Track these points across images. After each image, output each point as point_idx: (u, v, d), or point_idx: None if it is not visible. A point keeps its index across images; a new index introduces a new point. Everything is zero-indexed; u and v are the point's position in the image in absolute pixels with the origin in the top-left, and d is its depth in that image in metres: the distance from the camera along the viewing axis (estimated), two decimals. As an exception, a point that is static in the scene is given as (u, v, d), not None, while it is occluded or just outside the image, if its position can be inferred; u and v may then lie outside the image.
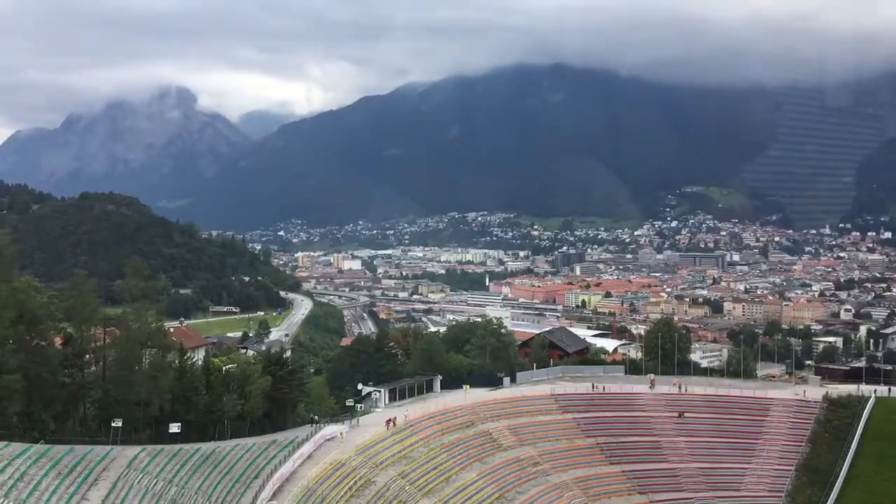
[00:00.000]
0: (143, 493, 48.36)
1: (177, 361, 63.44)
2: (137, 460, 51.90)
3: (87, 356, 56.98)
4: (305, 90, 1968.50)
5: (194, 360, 71.32)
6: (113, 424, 54.06)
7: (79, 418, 56.07)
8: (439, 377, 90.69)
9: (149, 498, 48.29)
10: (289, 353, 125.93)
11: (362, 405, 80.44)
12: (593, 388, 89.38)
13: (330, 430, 70.79)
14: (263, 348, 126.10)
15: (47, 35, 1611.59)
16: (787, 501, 75.12)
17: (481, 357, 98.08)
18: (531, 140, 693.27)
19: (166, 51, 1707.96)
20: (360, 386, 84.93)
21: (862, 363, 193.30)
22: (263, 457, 61.45)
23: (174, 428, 57.92)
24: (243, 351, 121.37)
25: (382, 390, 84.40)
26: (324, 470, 62.74)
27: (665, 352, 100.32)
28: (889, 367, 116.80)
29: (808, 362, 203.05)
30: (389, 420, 74.20)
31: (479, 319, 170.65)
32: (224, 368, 70.58)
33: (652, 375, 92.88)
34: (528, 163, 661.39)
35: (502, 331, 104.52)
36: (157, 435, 58.14)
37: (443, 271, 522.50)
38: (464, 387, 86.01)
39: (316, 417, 72.26)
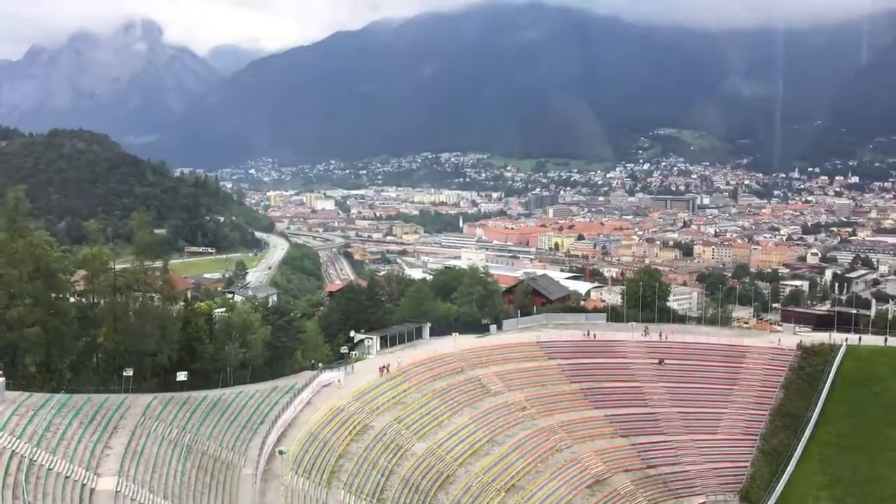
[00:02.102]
0: (161, 440, 50.58)
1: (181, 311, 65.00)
2: (151, 408, 54.04)
3: (99, 308, 58.26)
4: (276, 25, 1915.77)
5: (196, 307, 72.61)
6: (124, 374, 55.93)
7: (92, 368, 57.64)
8: (428, 324, 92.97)
9: (166, 444, 50.52)
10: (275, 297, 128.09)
11: (356, 352, 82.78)
12: (588, 334, 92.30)
13: (327, 376, 73.04)
14: (250, 293, 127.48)
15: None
16: (761, 444, 79.20)
17: (468, 305, 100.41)
18: (505, 79, 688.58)
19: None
20: (352, 333, 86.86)
21: (827, 306, 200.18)
22: (266, 403, 63.76)
23: (181, 376, 59.90)
24: (230, 296, 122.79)
25: (374, 337, 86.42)
26: (324, 415, 65.18)
27: (645, 300, 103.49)
28: (855, 312, 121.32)
29: (775, 305, 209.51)
30: (383, 367, 76.45)
31: (458, 264, 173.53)
32: (217, 313, 72.09)
33: (645, 324, 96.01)
34: (501, 102, 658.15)
35: (488, 279, 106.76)
36: (166, 383, 60.01)
37: (416, 212, 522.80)
38: (453, 334, 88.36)
39: (321, 365, 74.31)
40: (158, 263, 61.36)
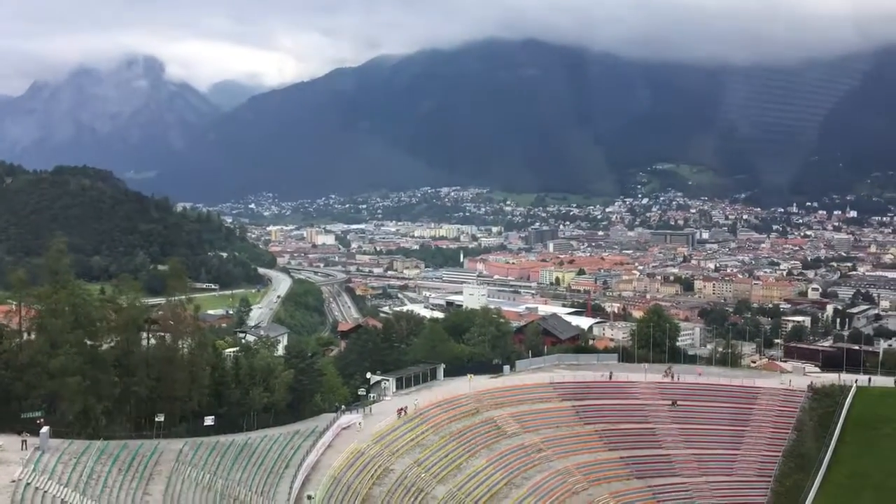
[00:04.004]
0: (195, 486, 51.75)
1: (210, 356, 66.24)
2: (183, 454, 55.16)
3: (133, 354, 59.56)
4: (276, 61, 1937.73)
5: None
6: (156, 419, 57.11)
7: (126, 413, 58.77)
8: (443, 365, 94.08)
9: (200, 490, 51.68)
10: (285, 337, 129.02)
11: (373, 394, 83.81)
12: (610, 377, 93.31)
13: (346, 419, 73.96)
14: (262, 333, 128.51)
15: (12, 0, 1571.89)
16: (775, 485, 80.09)
17: (481, 345, 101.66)
18: (504, 115, 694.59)
19: (133, 18, 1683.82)
20: (368, 374, 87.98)
21: (829, 342, 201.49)
22: (290, 446, 64.79)
23: (209, 421, 61.03)
24: (241, 335, 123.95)
25: (391, 379, 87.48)
26: (346, 459, 66.03)
27: (654, 339, 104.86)
28: (861, 350, 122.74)
29: (776, 341, 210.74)
30: (401, 409, 77.34)
31: (459, 299, 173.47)
32: (236, 357, 73.16)
33: (669, 365, 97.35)
34: (500, 138, 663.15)
35: (500, 320, 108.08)
36: (194, 428, 61.07)
37: (416, 247, 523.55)
38: (468, 375, 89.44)
39: (343, 407, 75.33)
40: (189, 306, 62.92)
